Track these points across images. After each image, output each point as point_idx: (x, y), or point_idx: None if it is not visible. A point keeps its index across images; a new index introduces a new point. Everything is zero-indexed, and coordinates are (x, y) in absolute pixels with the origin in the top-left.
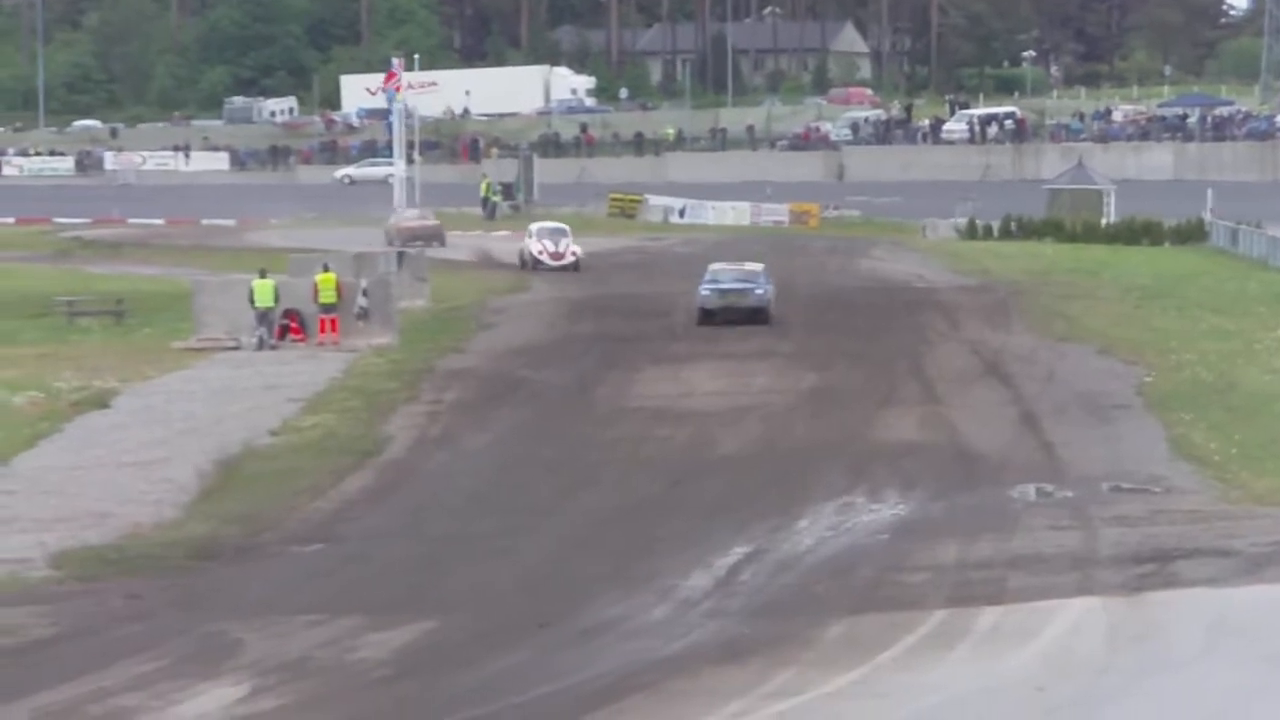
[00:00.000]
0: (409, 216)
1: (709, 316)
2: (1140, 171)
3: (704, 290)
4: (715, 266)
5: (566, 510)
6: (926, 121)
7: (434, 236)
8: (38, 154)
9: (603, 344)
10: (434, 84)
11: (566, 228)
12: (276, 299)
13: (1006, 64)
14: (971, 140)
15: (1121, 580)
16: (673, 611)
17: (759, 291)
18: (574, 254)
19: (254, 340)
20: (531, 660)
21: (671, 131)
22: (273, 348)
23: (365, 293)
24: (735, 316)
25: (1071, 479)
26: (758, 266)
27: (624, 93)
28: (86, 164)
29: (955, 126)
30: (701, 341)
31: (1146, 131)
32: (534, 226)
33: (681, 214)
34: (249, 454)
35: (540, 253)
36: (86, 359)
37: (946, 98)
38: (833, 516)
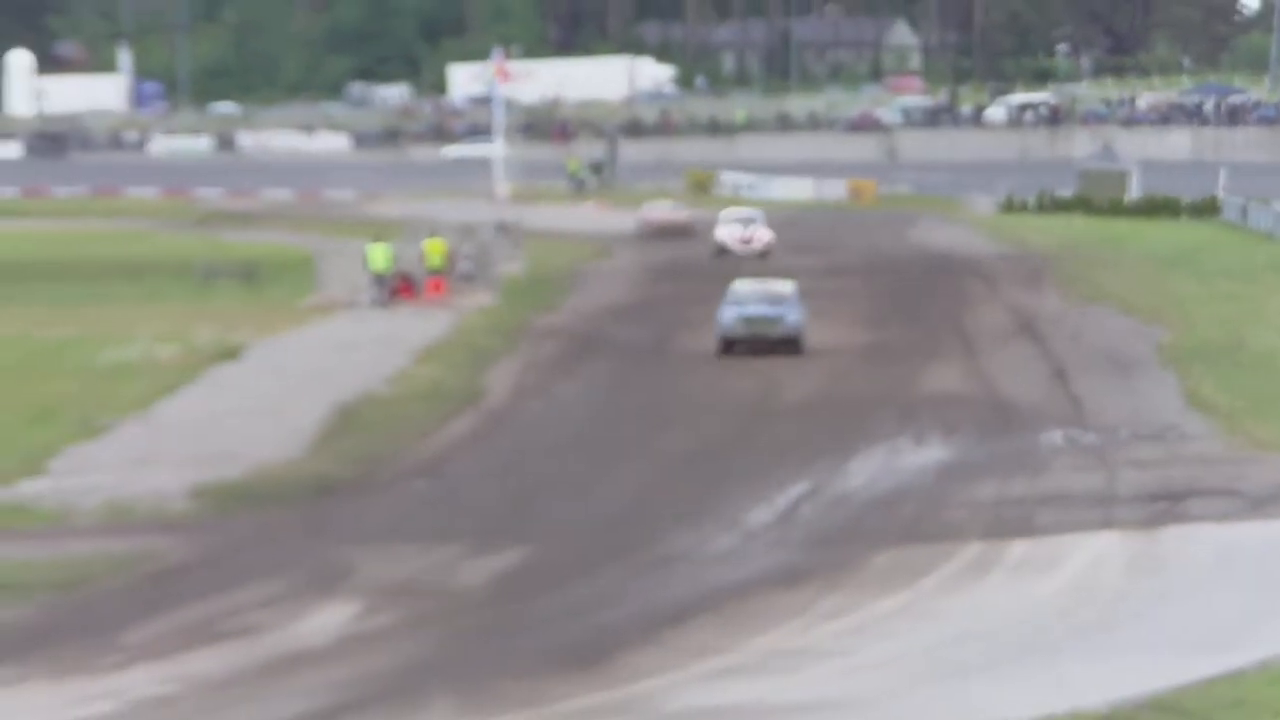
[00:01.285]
0: (660, 208)
1: (731, 347)
2: (1161, 153)
3: (726, 315)
4: (740, 285)
5: (646, 451)
6: (970, 108)
7: (683, 232)
8: (180, 135)
9: (678, 304)
10: (530, 73)
11: (758, 214)
12: (390, 263)
13: (1042, 56)
14: (1010, 124)
15: (1138, 516)
16: (739, 542)
17: (791, 319)
18: (763, 240)
19: (369, 300)
20: (613, 585)
21: (742, 116)
22: (386, 307)
23: (469, 257)
24: (762, 347)
25: (1095, 426)
26: (788, 286)
27: (700, 81)
28: (223, 144)
29: (995, 112)
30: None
31: (1167, 117)
32: (724, 213)
33: (750, 188)
34: (366, 400)
35: (729, 238)
36: (221, 316)
37: (988, 86)
38: (882, 458)
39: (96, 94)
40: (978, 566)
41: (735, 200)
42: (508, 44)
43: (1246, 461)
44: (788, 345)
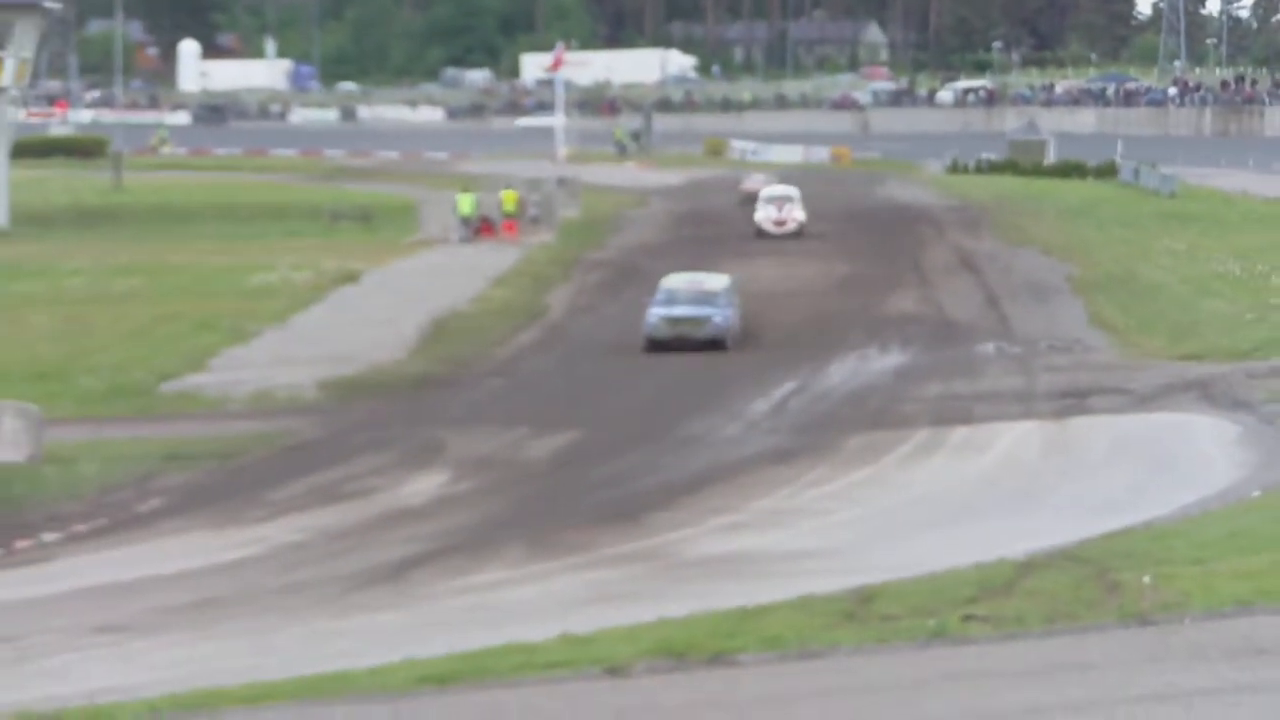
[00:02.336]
0: (756, 180)
1: (657, 346)
2: (1072, 127)
3: (651, 315)
4: (669, 281)
5: (670, 357)
6: (925, 91)
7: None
8: (313, 108)
9: (697, 244)
10: (584, 62)
11: (794, 193)
12: (474, 208)
13: (982, 51)
14: (956, 105)
15: (1051, 409)
16: (742, 428)
17: (717, 319)
18: (796, 220)
19: (458, 237)
20: (644, 460)
21: (748, 96)
22: (470, 243)
23: (536, 205)
24: (688, 347)
25: (1019, 339)
26: (721, 282)
27: (715, 69)
28: (346, 115)
29: (944, 95)
30: (763, 244)
31: (1077, 99)
32: (763, 192)
33: (753, 153)
34: (453, 315)
35: (764, 220)
36: (343, 249)
37: (939, 74)
38: (854, 364)
39: (251, 75)
40: (927, 447)
41: (743, 163)
42: (567, 38)
43: (1135, 368)
44: (713, 346)
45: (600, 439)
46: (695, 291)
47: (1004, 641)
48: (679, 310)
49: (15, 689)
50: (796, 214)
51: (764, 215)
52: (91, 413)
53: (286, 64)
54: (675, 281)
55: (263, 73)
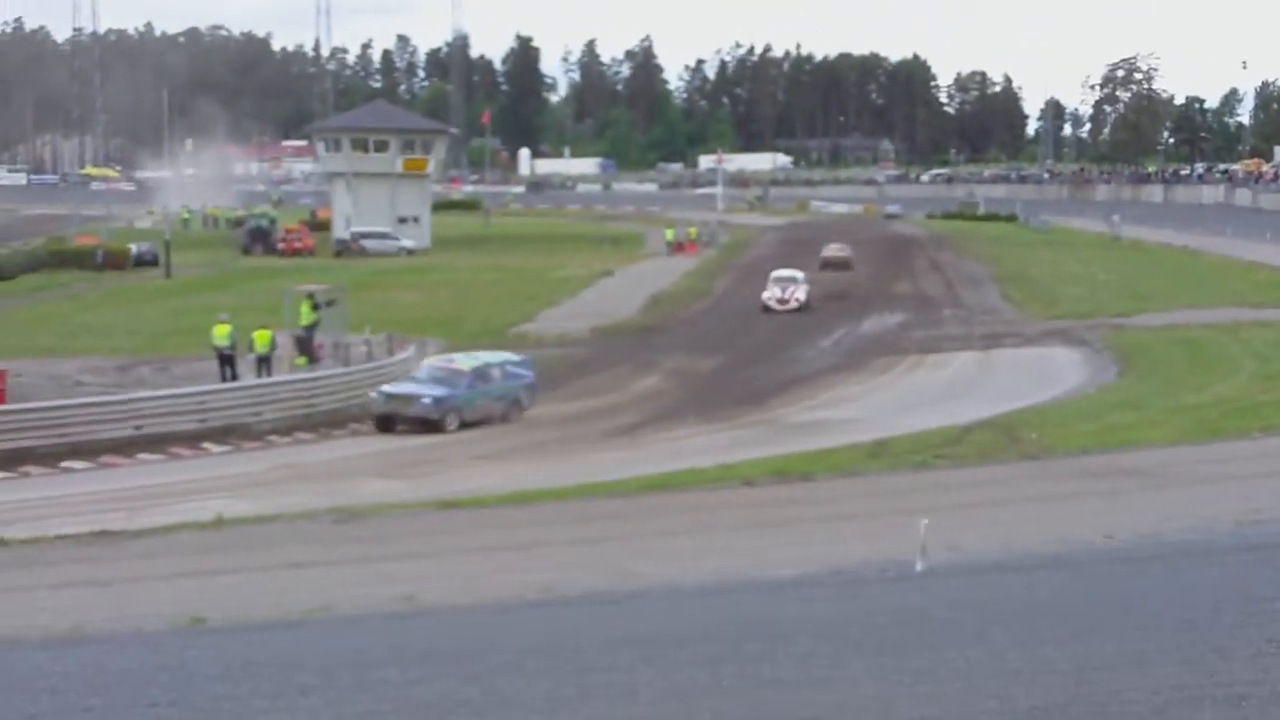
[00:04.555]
0: (832, 248)
1: (381, 421)
2: (993, 195)
3: (375, 391)
4: (428, 360)
5: (776, 318)
6: (914, 175)
7: (843, 265)
8: (589, 184)
9: (797, 256)
10: (731, 159)
11: (799, 275)
12: (673, 236)
13: (945, 153)
14: (931, 182)
15: (981, 345)
16: (816, 353)
17: (427, 401)
18: (798, 299)
19: (666, 253)
20: (762, 371)
21: (818, 177)
22: (672, 256)
23: (707, 234)
24: (401, 421)
25: (964, 307)
26: (471, 364)
27: (801, 163)
28: (606, 187)
29: (925, 177)
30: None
31: (995, 179)
32: (773, 274)
33: (822, 207)
34: (662, 293)
35: (770, 299)
36: (604, 258)
37: (921, 166)
38: (876, 320)
39: (574, 167)
40: (915, 366)
41: (817, 213)
42: (723, 146)
43: (1025, 323)
44: (427, 425)
45: (738, 360)
46: (436, 372)
47: (955, 469)
48: (396, 388)
49: (436, 489)
50: (799, 294)
51: (770, 294)
52: (470, 343)
53: (597, 160)
54: (430, 361)
55: (583, 166)
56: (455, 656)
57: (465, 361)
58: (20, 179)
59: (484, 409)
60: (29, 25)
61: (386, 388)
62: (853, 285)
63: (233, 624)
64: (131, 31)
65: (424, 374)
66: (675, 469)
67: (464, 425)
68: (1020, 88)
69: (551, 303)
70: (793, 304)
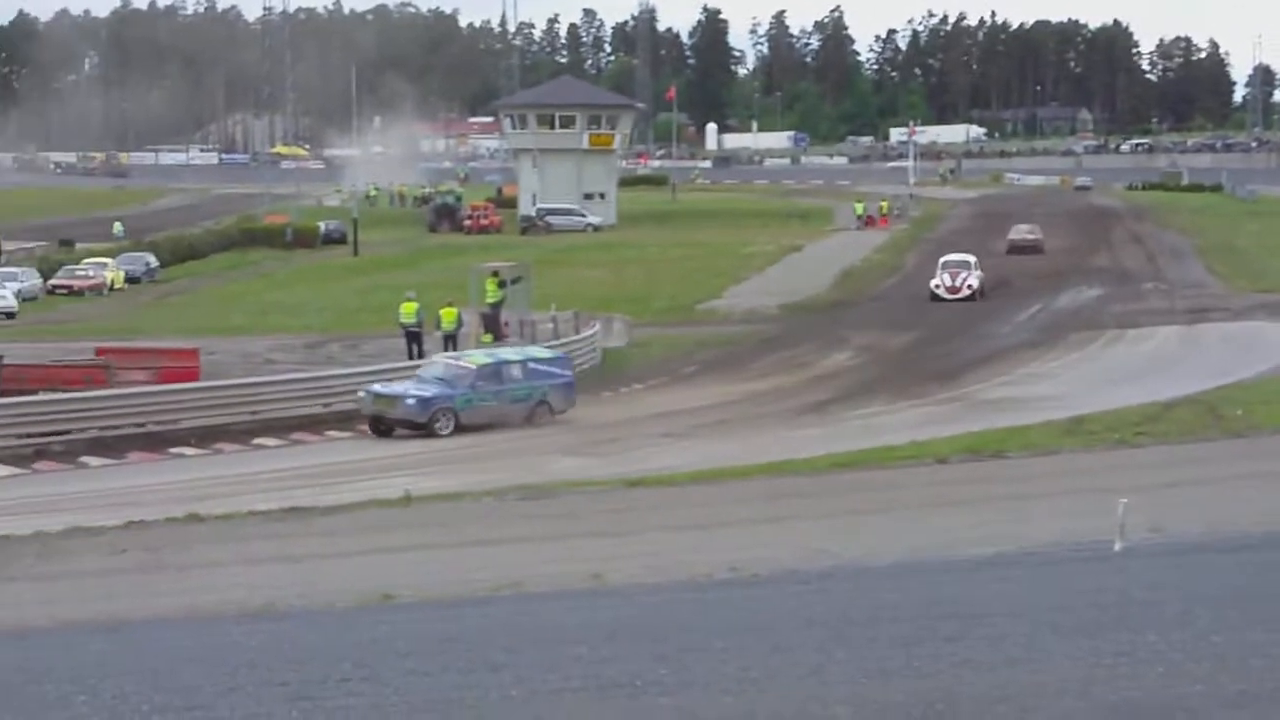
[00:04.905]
0: (1020, 230)
1: (374, 424)
2: (1197, 165)
3: (363, 390)
4: (437, 357)
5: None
6: (1113, 145)
7: (1033, 248)
8: (776, 156)
9: (990, 230)
10: (924, 131)
11: (971, 260)
12: (864, 210)
13: (1146, 122)
14: (1131, 152)
15: (1184, 319)
16: (1010, 329)
17: (411, 402)
18: (970, 287)
19: (855, 227)
20: (955, 347)
21: (1014, 149)
22: (861, 230)
23: (898, 208)
24: (389, 423)
25: (1166, 280)
26: (475, 361)
27: (996, 135)
28: (794, 160)
29: (1125, 147)
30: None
31: (1199, 149)
32: (942, 260)
33: (1017, 180)
34: (852, 268)
35: (937, 286)
36: (792, 233)
37: (1121, 136)
38: (1072, 294)
39: (764, 141)
40: (1113, 340)
41: (1013, 185)
42: (915, 119)
43: (1231, 296)
44: (413, 426)
45: (930, 336)
46: (444, 369)
47: (1156, 447)
48: (384, 388)
49: (623, 466)
50: (971, 281)
51: (938, 281)
52: (658, 320)
53: (789, 133)
54: (439, 358)
55: (775, 139)
56: (644, 635)
57: (478, 358)
58: (212, 158)
59: (493, 411)
60: (220, 6)
61: (376, 387)
62: (1048, 254)
63: (422, 600)
64: (320, 10)
65: (429, 372)
66: (866, 446)
67: (469, 429)
68: (1227, 54)
69: (739, 279)
70: (964, 292)
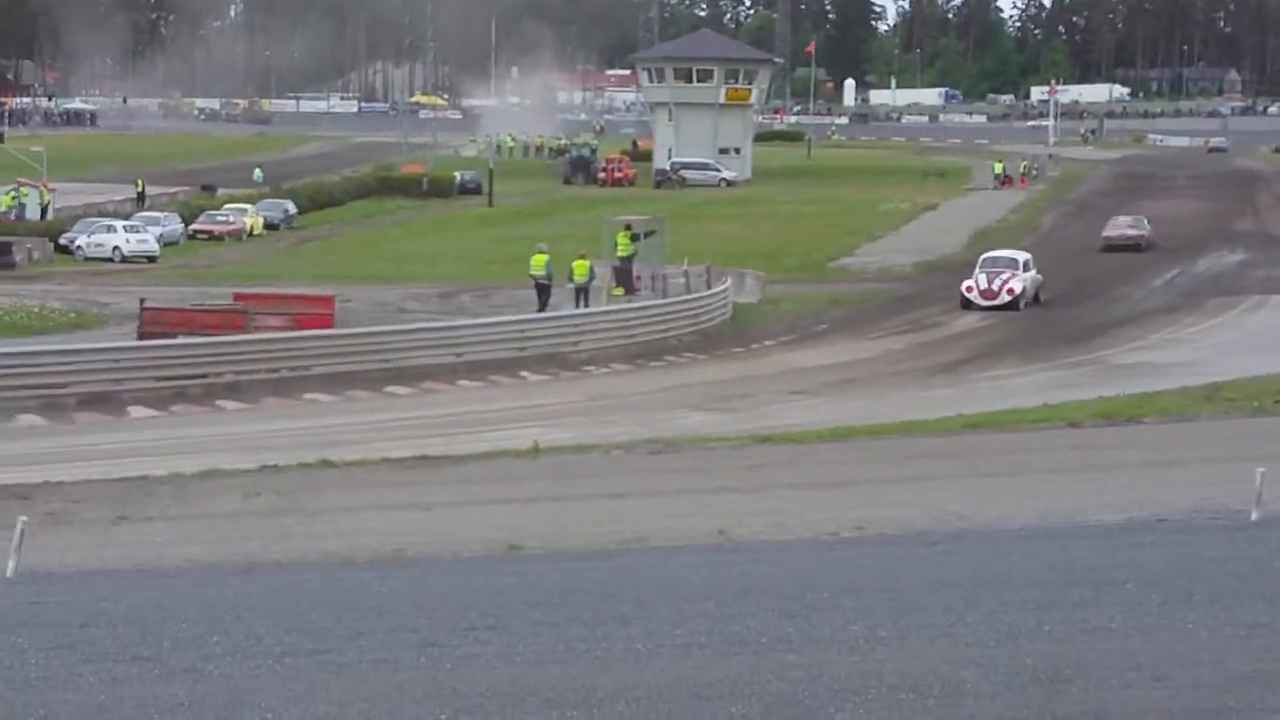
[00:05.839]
0: (1120, 224)
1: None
2: None
3: None
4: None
5: (1109, 256)
6: (1262, 108)
7: (1133, 246)
8: (910, 115)
9: (1133, 193)
10: (1065, 90)
11: (1018, 258)
12: (1002, 169)
13: None
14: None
15: None
16: (1146, 293)
17: None
18: (1011, 291)
19: (992, 187)
20: (1089, 310)
21: (1159, 109)
22: (999, 190)
23: (1036, 168)
24: None
25: None
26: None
27: (1139, 94)
28: (932, 118)
29: (1273, 110)
30: (1161, 184)
31: None
32: (983, 257)
33: (1160, 141)
34: (987, 228)
35: (969, 290)
36: (928, 191)
37: (1270, 98)
38: (1211, 259)
39: (912, 96)
40: (1255, 306)
41: (1154, 145)
42: (1056, 78)
43: None
44: None
45: (1063, 298)
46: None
47: None
48: None
49: (752, 423)
50: (1012, 285)
51: (971, 283)
52: (790, 276)
53: (939, 90)
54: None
55: (924, 96)
56: (771, 592)
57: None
58: (352, 106)
59: None
60: None
61: None
62: (1190, 219)
63: (549, 551)
64: None
65: None
66: (997, 409)
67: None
68: None
69: (873, 236)
70: (1004, 298)
